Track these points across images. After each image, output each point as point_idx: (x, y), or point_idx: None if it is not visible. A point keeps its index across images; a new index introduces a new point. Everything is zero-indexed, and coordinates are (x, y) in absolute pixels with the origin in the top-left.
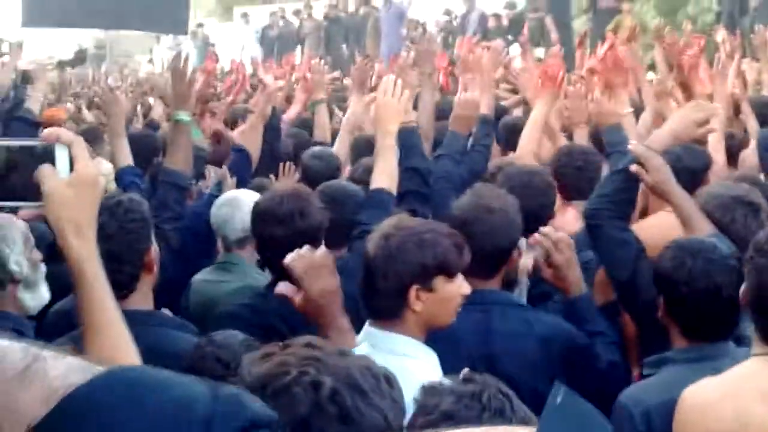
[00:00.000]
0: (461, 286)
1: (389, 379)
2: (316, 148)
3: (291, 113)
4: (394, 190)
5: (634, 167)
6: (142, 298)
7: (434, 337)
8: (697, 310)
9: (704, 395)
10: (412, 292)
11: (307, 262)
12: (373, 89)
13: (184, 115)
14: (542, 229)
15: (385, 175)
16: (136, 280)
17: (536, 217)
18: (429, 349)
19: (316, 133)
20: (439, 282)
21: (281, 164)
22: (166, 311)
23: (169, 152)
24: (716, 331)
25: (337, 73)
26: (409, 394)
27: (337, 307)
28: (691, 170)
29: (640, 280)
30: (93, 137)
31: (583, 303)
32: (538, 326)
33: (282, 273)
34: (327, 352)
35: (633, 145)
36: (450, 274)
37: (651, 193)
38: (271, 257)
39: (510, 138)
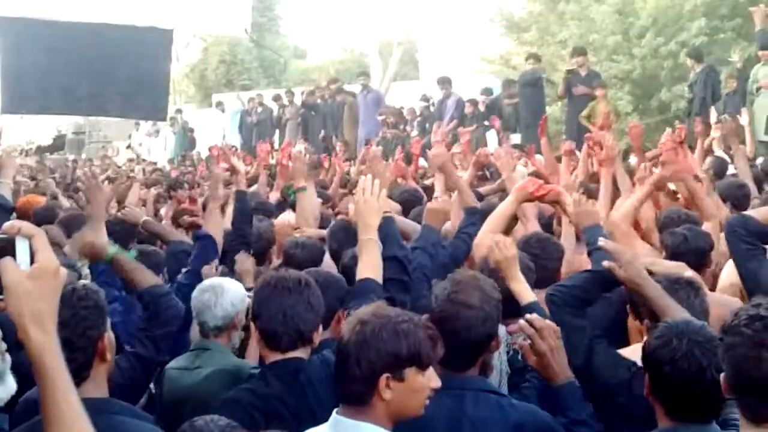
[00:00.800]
0: (432, 378)
1: None
2: (299, 237)
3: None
4: (380, 280)
5: (606, 263)
6: (96, 386)
7: (406, 421)
8: (680, 390)
9: None
10: (383, 380)
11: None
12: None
13: (111, 252)
14: (528, 316)
15: (370, 267)
16: (88, 367)
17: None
18: None
19: (298, 221)
20: (411, 373)
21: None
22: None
23: (131, 280)
24: (699, 413)
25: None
26: None
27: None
28: (697, 251)
29: (595, 364)
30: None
31: (567, 391)
32: (512, 413)
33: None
34: None
35: (604, 241)
36: (422, 366)
37: (624, 286)
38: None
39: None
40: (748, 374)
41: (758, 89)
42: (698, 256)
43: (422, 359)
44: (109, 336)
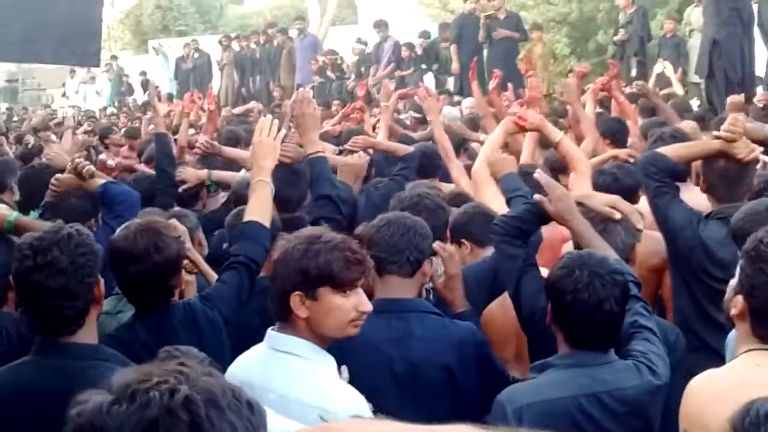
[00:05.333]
0: (360, 302)
1: (251, 405)
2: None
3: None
4: (267, 223)
5: (537, 196)
6: (89, 333)
7: (354, 344)
8: (579, 319)
9: (713, 385)
10: (294, 297)
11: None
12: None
13: (11, 219)
14: (437, 244)
15: (258, 209)
16: (85, 314)
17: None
18: (324, 353)
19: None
20: (324, 292)
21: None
22: None
23: None
24: (597, 341)
25: (252, 104)
26: (297, 390)
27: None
28: (627, 188)
29: (523, 293)
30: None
31: (467, 317)
32: (456, 331)
33: (145, 305)
34: (194, 370)
35: (539, 173)
36: (336, 286)
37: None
38: (132, 292)
39: (424, 164)
40: None
41: (691, 32)
42: (628, 192)
43: (335, 279)
44: (102, 279)
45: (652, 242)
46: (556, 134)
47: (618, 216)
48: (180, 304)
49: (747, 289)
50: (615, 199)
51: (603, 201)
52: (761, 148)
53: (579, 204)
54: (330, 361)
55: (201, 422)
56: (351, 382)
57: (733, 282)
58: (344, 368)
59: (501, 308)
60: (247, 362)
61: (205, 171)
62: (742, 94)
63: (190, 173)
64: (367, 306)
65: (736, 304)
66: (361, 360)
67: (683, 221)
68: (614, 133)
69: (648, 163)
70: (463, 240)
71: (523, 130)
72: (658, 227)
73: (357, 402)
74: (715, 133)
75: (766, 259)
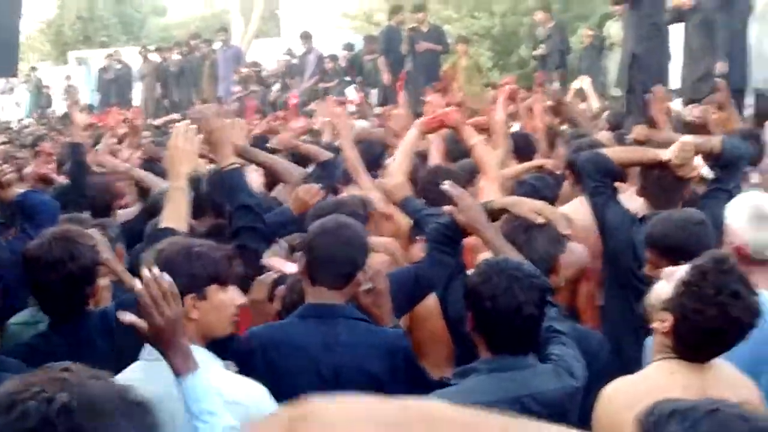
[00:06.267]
0: (236, 298)
1: (141, 405)
2: None
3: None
4: (183, 229)
5: (447, 207)
6: None
7: (281, 348)
8: (500, 324)
9: (629, 391)
10: (187, 300)
11: (155, 292)
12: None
13: None
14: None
15: (174, 216)
16: None
17: None
18: (209, 352)
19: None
20: (212, 291)
21: None
22: None
23: None
24: (518, 345)
25: (175, 116)
26: None
27: (180, 332)
28: (545, 199)
29: (451, 297)
30: None
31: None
32: (384, 338)
33: (60, 314)
34: (77, 375)
35: (449, 185)
36: (222, 283)
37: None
38: (46, 300)
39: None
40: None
41: (611, 45)
42: (547, 202)
43: (220, 276)
44: None
45: (566, 254)
46: (472, 137)
47: (541, 220)
48: (96, 312)
49: (680, 316)
50: (541, 205)
51: (529, 207)
52: (702, 165)
53: (505, 210)
54: (215, 358)
55: (79, 429)
56: (277, 384)
57: (663, 293)
58: (231, 364)
59: (437, 306)
60: (135, 379)
61: None
62: (662, 86)
63: None
64: (242, 300)
65: (663, 319)
66: (288, 363)
67: (617, 222)
68: (519, 148)
69: (588, 161)
70: None
71: (436, 129)
72: (597, 224)
73: (258, 389)
74: (667, 156)
75: (707, 300)
